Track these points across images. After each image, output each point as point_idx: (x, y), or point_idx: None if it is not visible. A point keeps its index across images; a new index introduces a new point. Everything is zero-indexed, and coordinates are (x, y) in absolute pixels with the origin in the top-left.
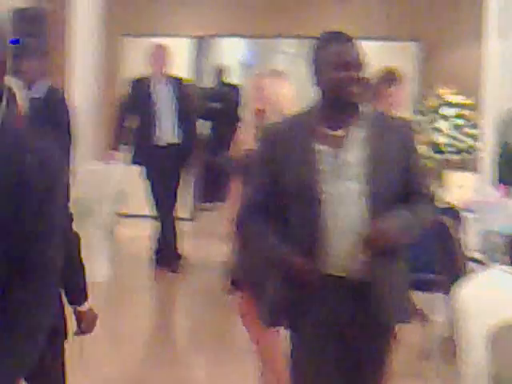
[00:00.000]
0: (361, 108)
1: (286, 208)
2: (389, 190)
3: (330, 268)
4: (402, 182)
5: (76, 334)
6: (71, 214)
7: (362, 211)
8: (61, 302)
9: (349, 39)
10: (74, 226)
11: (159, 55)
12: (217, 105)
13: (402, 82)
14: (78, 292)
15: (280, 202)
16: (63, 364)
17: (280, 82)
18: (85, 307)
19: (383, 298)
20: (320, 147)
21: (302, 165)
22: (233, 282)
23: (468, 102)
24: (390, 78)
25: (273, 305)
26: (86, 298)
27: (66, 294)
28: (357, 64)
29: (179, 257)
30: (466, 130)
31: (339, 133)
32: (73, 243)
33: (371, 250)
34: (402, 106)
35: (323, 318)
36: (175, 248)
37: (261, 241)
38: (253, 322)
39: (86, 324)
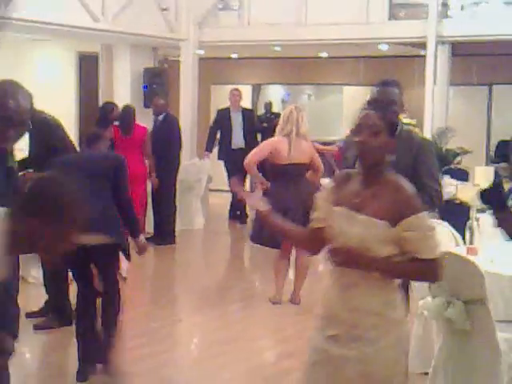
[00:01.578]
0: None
1: None
2: None
3: None
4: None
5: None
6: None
7: None
8: (124, 232)
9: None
10: (182, 197)
11: (235, 95)
12: (265, 125)
13: None
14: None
15: None
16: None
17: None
18: (139, 239)
19: None
20: None
21: None
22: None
23: (413, 122)
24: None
25: None
26: (138, 233)
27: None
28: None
29: (247, 215)
30: None
31: None
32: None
33: None
34: None
35: None
36: (244, 209)
37: None
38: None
39: (139, 249)
